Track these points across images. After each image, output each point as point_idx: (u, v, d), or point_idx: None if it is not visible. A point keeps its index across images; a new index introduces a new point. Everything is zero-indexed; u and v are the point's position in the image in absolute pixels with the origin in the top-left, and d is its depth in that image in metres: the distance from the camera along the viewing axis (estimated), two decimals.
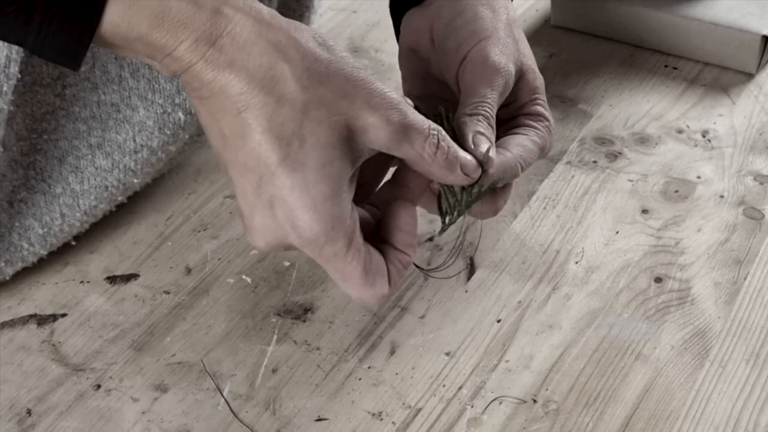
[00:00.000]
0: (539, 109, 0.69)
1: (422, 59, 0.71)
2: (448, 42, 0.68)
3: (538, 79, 0.69)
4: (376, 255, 0.59)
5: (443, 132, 0.59)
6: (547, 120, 0.68)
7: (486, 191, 0.64)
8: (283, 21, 0.55)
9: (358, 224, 0.57)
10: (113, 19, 0.52)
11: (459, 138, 0.63)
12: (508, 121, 0.68)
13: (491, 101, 0.65)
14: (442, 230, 0.66)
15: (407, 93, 0.72)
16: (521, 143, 0.66)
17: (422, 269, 0.72)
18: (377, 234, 0.61)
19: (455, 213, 0.65)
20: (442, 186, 0.64)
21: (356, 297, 0.59)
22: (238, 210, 0.58)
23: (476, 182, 0.63)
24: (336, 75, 0.55)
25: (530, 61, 0.69)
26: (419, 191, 0.63)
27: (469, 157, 0.61)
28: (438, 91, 0.71)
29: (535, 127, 0.68)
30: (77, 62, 0.54)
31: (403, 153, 0.58)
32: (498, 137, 0.66)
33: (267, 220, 0.56)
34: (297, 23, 0.56)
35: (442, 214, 0.65)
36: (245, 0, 0.54)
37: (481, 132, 0.63)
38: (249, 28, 0.54)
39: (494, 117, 0.65)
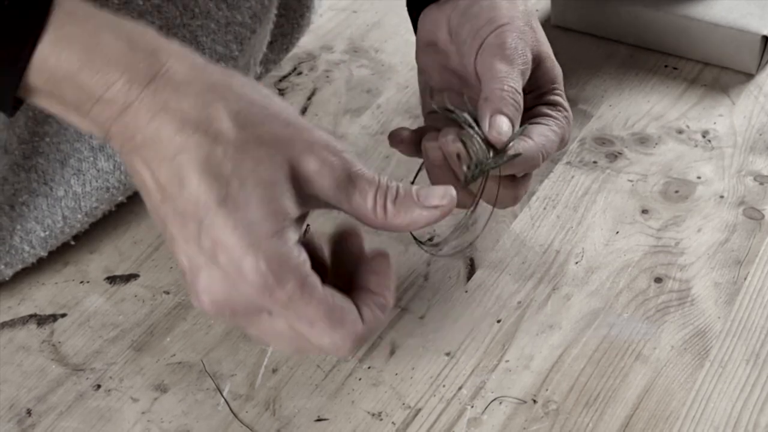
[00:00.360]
0: (558, 98, 0.68)
1: (440, 52, 0.71)
2: (464, 30, 0.67)
3: (556, 68, 0.68)
4: (338, 294, 0.52)
5: (392, 181, 0.54)
6: (566, 110, 0.68)
7: (505, 162, 0.63)
8: (219, 67, 0.53)
9: (308, 264, 0.52)
10: (44, 52, 0.50)
11: (479, 120, 0.62)
12: (527, 110, 0.67)
13: (514, 76, 0.64)
14: (465, 183, 0.64)
15: (425, 86, 0.72)
16: (542, 133, 0.65)
17: (422, 243, 0.71)
18: (343, 281, 0.56)
19: (477, 172, 0.63)
20: (463, 138, 0.63)
21: (329, 344, 0.52)
22: (180, 269, 0.53)
23: (495, 153, 0.62)
24: (274, 118, 0.52)
25: (548, 49, 0.68)
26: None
27: (431, 190, 0.55)
28: (456, 84, 0.70)
29: (555, 117, 0.67)
30: (5, 106, 0.52)
31: (353, 212, 0.54)
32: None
33: (211, 272, 0.51)
34: (233, 71, 0.54)
35: (465, 171, 0.64)
36: (180, 47, 0.53)
37: (501, 111, 0.62)
38: (184, 70, 0.52)
39: (520, 92, 0.64)
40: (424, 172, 0.70)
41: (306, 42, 0.96)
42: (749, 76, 0.92)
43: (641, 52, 0.96)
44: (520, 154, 0.63)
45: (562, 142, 0.67)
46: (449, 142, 0.64)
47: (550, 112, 0.67)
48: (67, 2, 0.50)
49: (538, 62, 0.68)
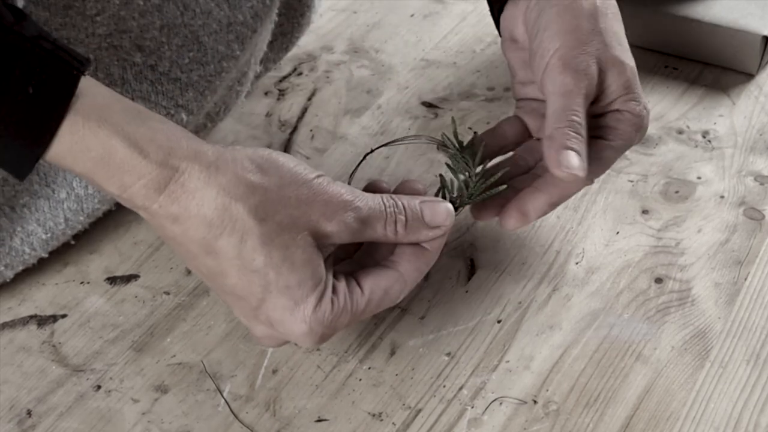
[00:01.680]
0: (628, 105, 0.67)
1: (521, 49, 0.71)
2: (534, 44, 0.68)
3: (625, 74, 0.67)
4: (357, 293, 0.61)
5: (399, 203, 0.61)
6: (636, 115, 0.67)
7: (494, 193, 0.66)
8: (228, 157, 0.57)
9: (341, 303, 0.60)
10: (60, 151, 0.54)
11: (546, 157, 0.64)
12: (597, 117, 0.67)
13: (575, 105, 0.64)
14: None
15: (512, 78, 0.73)
16: (597, 155, 0.66)
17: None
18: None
19: (457, 205, 0.66)
20: (442, 177, 0.66)
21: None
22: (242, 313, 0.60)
23: (481, 178, 0.66)
24: (286, 199, 0.58)
25: (618, 52, 0.67)
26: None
27: (436, 210, 0.62)
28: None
29: (617, 129, 0.67)
30: (21, 176, 0.56)
31: (371, 239, 0.61)
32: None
33: (269, 331, 0.60)
34: (236, 154, 0.58)
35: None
36: (190, 144, 0.56)
37: (569, 147, 0.63)
38: (197, 175, 0.56)
39: (582, 122, 0.64)
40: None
41: (306, 42, 0.96)
42: (749, 77, 0.92)
43: (641, 52, 0.95)
44: (503, 189, 0.67)
45: (625, 149, 0.68)
46: (511, 222, 0.67)
47: (613, 123, 0.67)
48: (84, 103, 0.54)
49: (605, 70, 0.66)
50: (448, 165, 0.68)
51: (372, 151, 0.73)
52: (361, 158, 0.72)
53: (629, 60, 0.67)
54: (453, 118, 0.69)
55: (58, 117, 0.53)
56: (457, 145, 0.68)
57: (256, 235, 0.56)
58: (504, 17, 0.72)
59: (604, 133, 0.67)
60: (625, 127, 0.67)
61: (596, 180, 0.80)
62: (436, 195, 0.67)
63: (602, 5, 0.68)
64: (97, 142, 0.54)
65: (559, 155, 0.63)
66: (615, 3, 0.69)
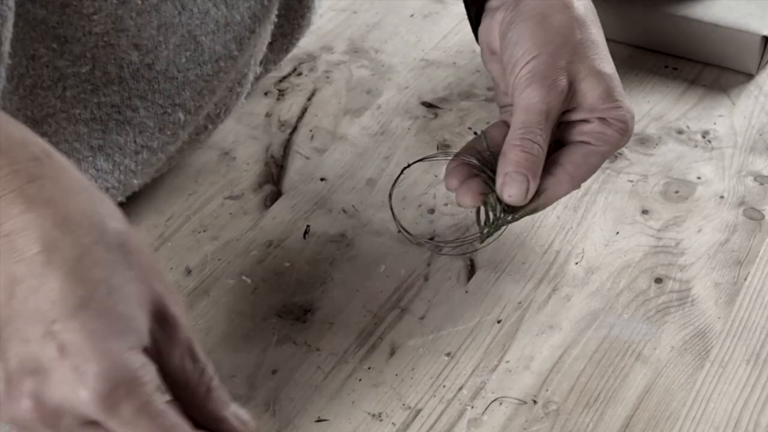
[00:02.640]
0: (611, 112, 0.67)
1: (499, 61, 0.71)
2: (504, 57, 0.68)
3: (604, 81, 0.67)
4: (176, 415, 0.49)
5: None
6: (620, 120, 0.67)
7: (520, 217, 0.68)
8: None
9: (154, 385, 0.48)
10: None
11: (497, 177, 0.66)
12: (582, 123, 0.68)
13: (534, 124, 0.65)
14: (481, 240, 0.71)
15: (495, 90, 0.73)
16: (583, 161, 0.67)
17: (434, 243, 0.74)
18: None
19: (492, 228, 0.68)
20: (483, 201, 0.67)
21: None
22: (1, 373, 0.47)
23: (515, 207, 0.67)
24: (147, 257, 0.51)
25: (596, 62, 0.67)
26: None
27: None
28: None
29: (603, 134, 0.67)
30: None
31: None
32: (569, 140, 0.68)
33: (48, 375, 0.46)
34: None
35: (480, 227, 0.69)
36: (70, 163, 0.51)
37: (514, 171, 0.65)
38: (74, 176, 0.50)
39: (539, 139, 0.65)
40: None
41: (306, 43, 0.96)
42: (749, 77, 0.92)
43: (641, 52, 0.96)
44: (537, 210, 0.67)
45: (609, 155, 0.69)
46: (467, 200, 0.67)
47: (598, 129, 0.67)
48: None
49: (580, 80, 0.67)
50: (486, 183, 0.68)
51: (409, 165, 0.77)
52: (399, 172, 0.75)
53: (608, 68, 0.67)
54: (483, 133, 0.70)
55: None
56: (492, 160, 0.68)
57: (114, 246, 0.49)
58: (481, 30, 0.72)
59: (590, 138, 0.68)
60: (612, 133, 0.67)
61: (596, 180, 0.81)
62: (477, 215, 0.69)
63: (580, 15, 0.68)
64: None
65: (500, 180, 0.65)
66: (594, 11, 0.70)
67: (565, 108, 0.67)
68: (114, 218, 0.50)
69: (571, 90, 0.66)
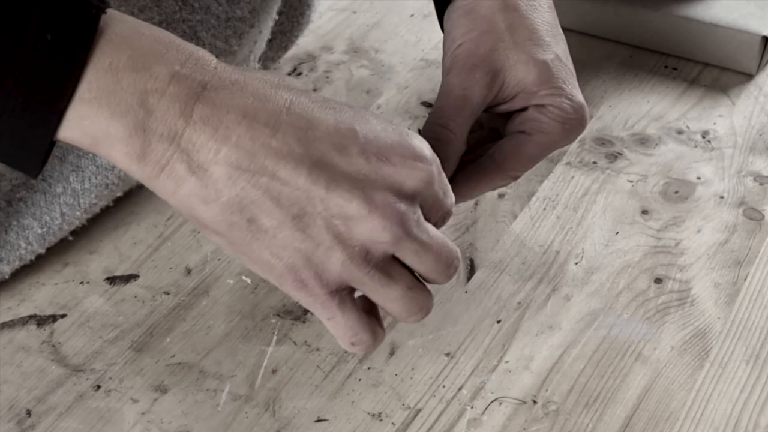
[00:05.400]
0: (549, 99, 0.65)
1: None
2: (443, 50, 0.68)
3: (537, 67, 0.65)
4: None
5: None
6: (558, 108, 0.65)
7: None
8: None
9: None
10: (92, 86, 0.50)
11: None
12: (522, 111, 0.66)
13: (446, 116, 0.64)
14: None
15: None
16: (516, 150, 0.65)
17: None
18: None
19: None
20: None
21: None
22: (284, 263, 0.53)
23: None
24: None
25: (528, 49, 0.65)
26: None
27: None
28: None
29: (538, 122, 0.65)
30: (36, 159, 0.51)
31: None
32: (508, 131, 0.66)
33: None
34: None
35: None
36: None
37: None
38: (237, 73, 0.53)
39: (453, 129, 0.64)
40: None
41: (306, 42, 0.96)
42: (749, 77, 0.92)
43: (641, 52, 0.96)
44: (463, 197, 0.66)
45: (552, 143, 0.66)
46: None
47: (533, 116, 0.65)
48: (108, 39, 0.50)
49: (507, 68, 0.65)
50: None
51: None
52: None
53: (544, 55, 0.65)
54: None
55: (83, 52, 0.49)
56: None
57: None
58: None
59: (525, 127, 0.65)
60: (548, 121, 0.65)
61: (596, 180, 0.81)
62: None
63: (512, 2, 0.66)
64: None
65: None
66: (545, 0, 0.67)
67: (494, 97, 0.65)
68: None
69: (500, 77, 0.64)
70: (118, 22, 0.51)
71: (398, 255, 0.54)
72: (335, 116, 0.53)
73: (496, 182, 0.66)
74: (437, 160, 0.55)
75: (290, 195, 0.51)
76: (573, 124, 0.65)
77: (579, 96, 0.66)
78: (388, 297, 0.55)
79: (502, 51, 0.65)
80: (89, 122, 0.50)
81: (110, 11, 0.51)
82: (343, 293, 0.54)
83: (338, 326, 0.55)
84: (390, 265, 0.54)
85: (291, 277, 0.53)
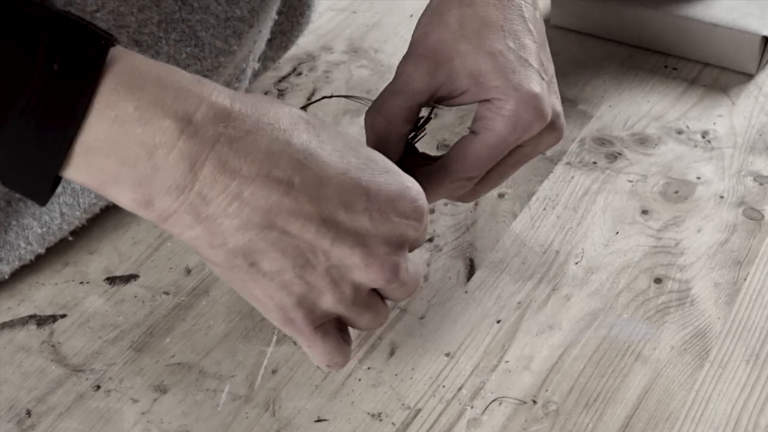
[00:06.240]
0: (490, 94, 0.63)
1: None
2: None
3: (489, 62, 0.63)
4: None
5: None
6: (503, 102, 0.63)
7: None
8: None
9: None
10: (94, 132, 0.49)
11: None
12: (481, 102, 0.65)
13: (391, 112, 0.64)
14: None
15: None
16: (462, 150, 0.64)
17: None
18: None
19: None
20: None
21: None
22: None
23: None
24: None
25: (482, 41, 0.64)
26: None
27: None
28: None
29: (483, 119, 0.64)
30: (43, 187, 0.51)
31: None
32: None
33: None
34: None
35: None
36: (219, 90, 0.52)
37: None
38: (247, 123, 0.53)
39: (387, 114, 0.64)
40: None
41: (305, 42, 0.96)
42: (749, 77, 0.92)
43: (641, 52, 0.95)
44: None
45: (501, 141, 0.64)
46: None
47: (480, 114, 0.64)
48: (117, 71, 0.49)
49: (458, 58, 0.63)
50: None
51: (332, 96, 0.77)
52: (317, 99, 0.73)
53: (492, 45, 0.63)
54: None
55: (91, 88, 0.48)
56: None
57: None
58: None
59: (475, 126, 0.64)
60: (492, 116, 0.63)
61: (596, 180, 0.81)
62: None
63: None
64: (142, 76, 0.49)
65: None
66: None
67: (440, 86, 0.64)
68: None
69: (445, 67, 0.63)
70: (122, 62, 0.50)
71: (380, 291, 0.58)
72: (345, 168, 0.54)
73: (447, 185, 0.65)
74: (425, 205, 0.57)
75: (296, 247, 0.53)
76: (522, 116, 0.63)
77: (529, 85, 0.63)
78: (361, 320, 0.58)
79: (451, 42, 0.64)
80: (96, 169, 0.50)
81: (115, 48, 0.50)
82: (326, 325, 0.57)
83: (317, 353, 0.58)
84: (369, 297, 0.57)
85: (280, 314, 0.56)
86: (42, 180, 0.50)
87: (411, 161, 0.66)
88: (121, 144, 0.49)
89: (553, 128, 0.66)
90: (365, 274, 0.55)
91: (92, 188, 0.51)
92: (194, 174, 0.50)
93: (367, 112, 0.65)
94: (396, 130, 0.64)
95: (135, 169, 0.50)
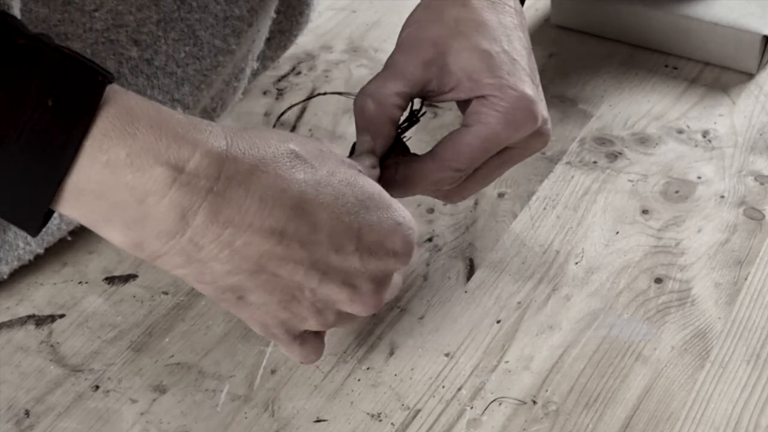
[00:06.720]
0: (489, 89, 0.64)
1: None
2: None
3: (481, 59, 0.64)
4: None
5: None
6: (499, 98, 0.64)
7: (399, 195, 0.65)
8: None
9: None
10: (84, 172, 0.49)
11: None
12: (468, 102, 0.66)
13: (377, 86, 0.64)
14: None
15: None
16: (455, 142, 0.64)
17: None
18: None
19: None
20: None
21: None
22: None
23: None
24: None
25: (474, 39, 0.64)
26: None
27: None
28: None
29: (477, 114, 0.64)
30: (35, 221, 0.50)
31: None
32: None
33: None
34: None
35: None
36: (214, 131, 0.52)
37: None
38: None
39: (380, 100, 0.64)
40: None
41: (305, 42, 0.96)
42: (749, 76, 0.92)
43: (641, 52, 0.95)
44: (405, 191, 0.66)
45: (493, 135, 0.64)
46: None
47: (474, 108, 0.65)
48: (111, 111, 0.49)
49: (450, 54, 0.64)
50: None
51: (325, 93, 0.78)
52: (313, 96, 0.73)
53: (488, 45, 0.64)
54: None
55: (83, 128, 0.48)
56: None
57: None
58: None
59: (468, 119, 0.65)
60: (486, 111, 0.64)
61: (596, 180, 0.80)
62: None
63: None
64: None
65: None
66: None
67: (432, 80, 0.64)
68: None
69: (439, 60, 0.64)
70: (116, 103, 0.49)
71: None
72: (339, 213, 0.54)
73: (435, 175, 0.65)
74: (414, 239, 0.59)
75: (285, 286, 0.55)
76: (516, 115, 0.64)
77: (523, 87, 0.64)
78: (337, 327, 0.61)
79: (446, 38, 0.65)
80: (87, 209, 0.50)
81: (111, 87, 0.49)
82: (305, 334, 0.59)
83: (294, 354, 0.60)
84: (348, 314, 0.59)
85: (263, 330, 0.58)
86: (33, 214, 0.50)
87: (399, 152, 0.66)
88: (112, 188, 0.49)
89: (540, 133, 0.67)
90: (350, 307, 0.57)
91: (84, 224, 0.52)
92: (186, 222, 0.50)
93: (357, 97, 0.65)
94: (386, 113, 0.64)
95: (125, 213, 0.50)
